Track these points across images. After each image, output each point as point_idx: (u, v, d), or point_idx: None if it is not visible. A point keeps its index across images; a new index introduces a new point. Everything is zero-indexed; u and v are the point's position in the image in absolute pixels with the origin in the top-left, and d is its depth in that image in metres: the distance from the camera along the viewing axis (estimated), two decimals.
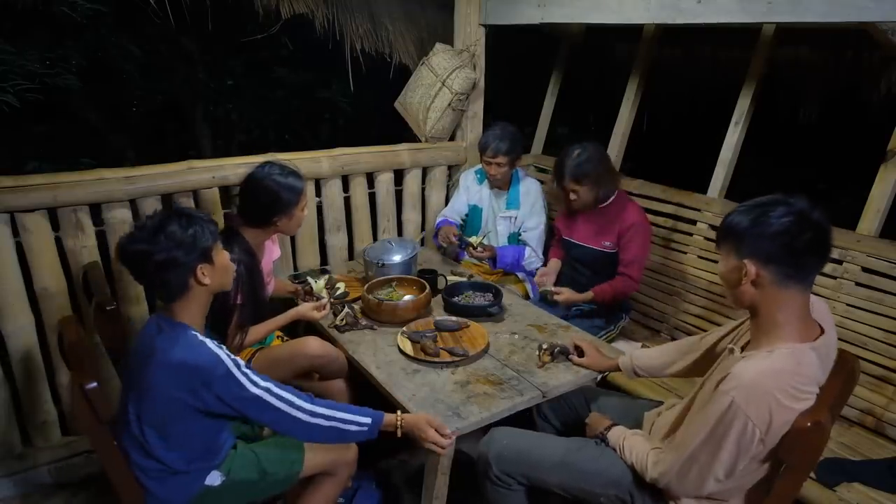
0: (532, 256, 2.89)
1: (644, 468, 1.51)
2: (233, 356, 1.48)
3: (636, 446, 1.57)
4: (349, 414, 1.56)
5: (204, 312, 1.58)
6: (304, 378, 2.15)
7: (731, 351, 1.47)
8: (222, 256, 1.58)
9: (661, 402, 1.81)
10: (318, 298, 2.24)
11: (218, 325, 1.85)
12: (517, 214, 2.92)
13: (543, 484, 1.65)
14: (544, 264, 2.85)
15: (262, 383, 1.47)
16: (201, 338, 1.48)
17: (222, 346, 1.50)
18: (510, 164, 2.83)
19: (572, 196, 2.50)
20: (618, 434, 1.65)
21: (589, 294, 2.50)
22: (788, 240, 1.27)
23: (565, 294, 2.49)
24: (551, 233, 2.93)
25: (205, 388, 1.42)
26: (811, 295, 1.36)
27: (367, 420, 1.57)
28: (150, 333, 1.50)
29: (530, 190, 2.93)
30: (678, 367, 1.79)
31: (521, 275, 2.92)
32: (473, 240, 2.79)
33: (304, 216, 2.13)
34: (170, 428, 1.49)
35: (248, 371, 1.47)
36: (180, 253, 1.44)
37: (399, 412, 1.64)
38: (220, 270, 1.56)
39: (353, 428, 1.55)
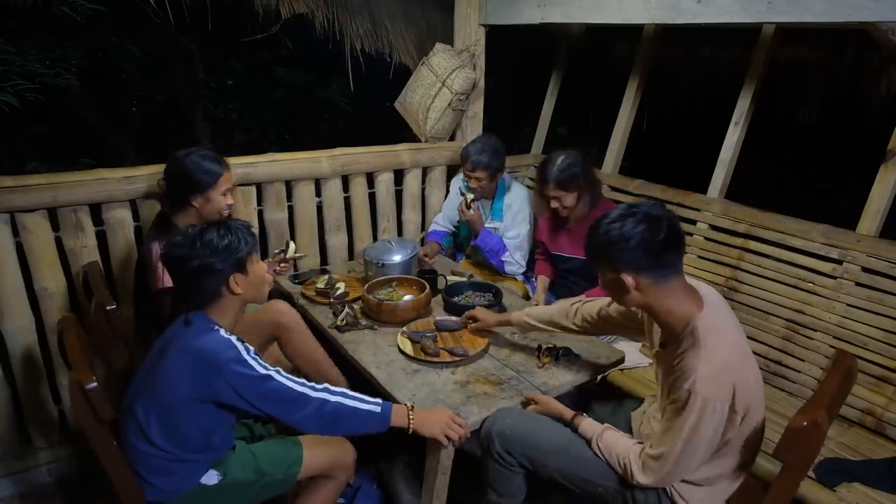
0: (511, 262, 2.83)
1: (629, 472, 1.52)
2: (245, 343, 1.52)
3: (617, 446, 1.57)
4: (357, 396, 1.59)
5: (235, 320, 1.62)
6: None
7: (658, 354, 1.59)
8: (258, 268, 1.62)
9: (643, 400, 1.83)
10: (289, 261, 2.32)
11: (155, 316, 1.90)
12: (500, 226, 2.90)
13: (544, 468, 1.64)
14: (528, 270, 2.89)
15: (271, 368, 1.52)
16: (224, 333, 1.52)
17: (241, 339, 1.54)
18: (490, 178, 2.80)
19: (554, 204, 2.50)
20: (590, 428, 1.64)
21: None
22: (648, 246, 1.40)
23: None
24: (537, 244, 2.91)
25: (216, 374, 1.45)
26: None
27: (378, 401, 1.59)
28: (179, 325, 1.54)
29: (514, 200, 2.90)
30: (567, 323, 1.90)
31: (520, 277, 2.92)
32: (469, 196, 2.76)
33: (225, 202, 2.10)
34: (176, 416, 1.50)
35: (257, 357, 1.52)
36: (215, 260, 1.50)
37: (409, 403, 1.66)
38: (254, 281, 1.60)
39: (363, 406, 1.57)
